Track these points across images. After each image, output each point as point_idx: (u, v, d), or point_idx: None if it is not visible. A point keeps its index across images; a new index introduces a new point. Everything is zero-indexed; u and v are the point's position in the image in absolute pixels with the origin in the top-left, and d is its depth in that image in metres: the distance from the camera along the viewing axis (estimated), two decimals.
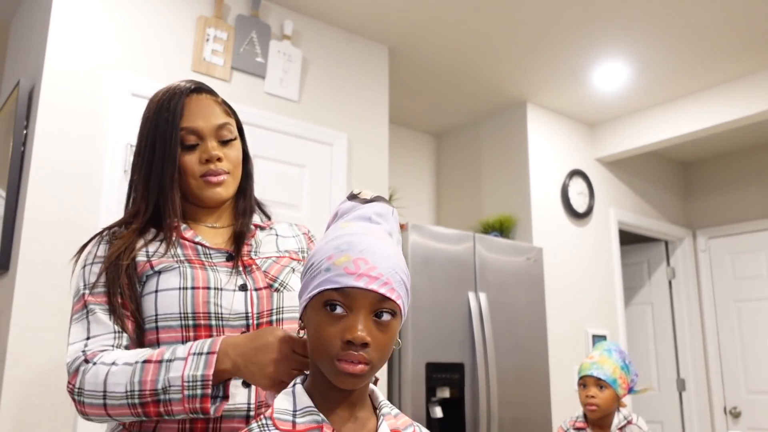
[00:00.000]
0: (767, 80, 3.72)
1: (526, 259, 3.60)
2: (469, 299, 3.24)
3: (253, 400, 1.15)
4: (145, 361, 1.04)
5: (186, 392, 1.00)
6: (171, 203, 1.22)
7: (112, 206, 2.38)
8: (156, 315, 1.13)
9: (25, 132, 2.39)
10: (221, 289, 1.17)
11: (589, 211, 4.34)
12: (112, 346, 1.12)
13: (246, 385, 1.15)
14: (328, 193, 2.99)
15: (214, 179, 1.24)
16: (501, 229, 3.95)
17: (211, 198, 1.26)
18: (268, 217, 1.41)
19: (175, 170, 1.22)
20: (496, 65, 3.67)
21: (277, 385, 0.99)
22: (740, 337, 4.72)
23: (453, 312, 3.17)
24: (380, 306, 0.88)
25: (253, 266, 1.23)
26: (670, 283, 5.07)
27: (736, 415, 4.70)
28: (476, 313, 3.23)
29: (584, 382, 2.36)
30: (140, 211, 1.24)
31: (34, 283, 2.22)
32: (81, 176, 2.37)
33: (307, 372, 0.97)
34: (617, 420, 2.35)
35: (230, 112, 1.32)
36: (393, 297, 0.88)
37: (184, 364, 1.01)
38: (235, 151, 1.29)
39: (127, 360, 1.05)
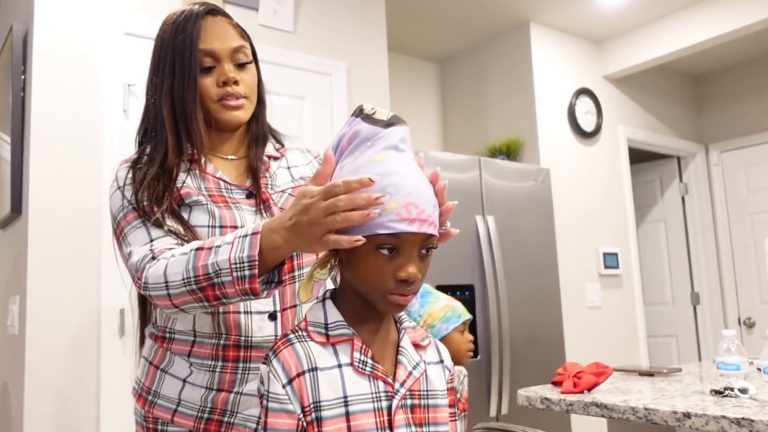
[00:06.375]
0: None
1: (534, 181, 3.59)
2: (477, 223, 3.27)
3: (279, 332, 1.20)
4: (198, 249, 1.06)
5: (235, 274, 1.00)
6: (196, 126, 1.22)
7: (115, 146, 2.41)
8: None
9: (23, 77, 2.40)
10: None
11: (597, 129, 4.30)
12: (177, 244, 1.14)
13: (272, 318, 1.21)
14: (330, 124, 2.99)
15: (233, 102, 1.25)
16: (508, 152, 3.93)
17: (229, 122, 1.27)
18: (282, 144, 1.40)
19: (197, 92, 1.22)
20: None
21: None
22: (754, 249, 4.71)
23: (461, 236, 3.20)
24: (426, 243, 0.95)
25: (270, 201, 1.25)
26: (683, 199, 5.05)
27: (750, 325, 4.75)
28: (484, 235, 3.27)
29: (465, 327, 1.92)
30: (163, 139, 1.23)
31: (46, 225, 2.29)
32: (82, 119, 2.40)
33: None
34: None
35: (245, 35, 1.32)
36: (436, 233, 0.97)
37: (231, 247, 1.02)
38: (251, 75, 1.29)
39: (184, 250, 1.08)
